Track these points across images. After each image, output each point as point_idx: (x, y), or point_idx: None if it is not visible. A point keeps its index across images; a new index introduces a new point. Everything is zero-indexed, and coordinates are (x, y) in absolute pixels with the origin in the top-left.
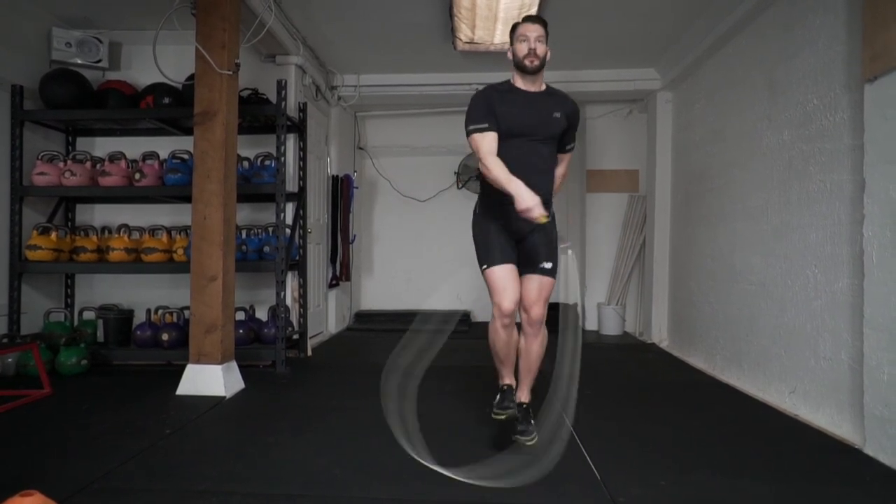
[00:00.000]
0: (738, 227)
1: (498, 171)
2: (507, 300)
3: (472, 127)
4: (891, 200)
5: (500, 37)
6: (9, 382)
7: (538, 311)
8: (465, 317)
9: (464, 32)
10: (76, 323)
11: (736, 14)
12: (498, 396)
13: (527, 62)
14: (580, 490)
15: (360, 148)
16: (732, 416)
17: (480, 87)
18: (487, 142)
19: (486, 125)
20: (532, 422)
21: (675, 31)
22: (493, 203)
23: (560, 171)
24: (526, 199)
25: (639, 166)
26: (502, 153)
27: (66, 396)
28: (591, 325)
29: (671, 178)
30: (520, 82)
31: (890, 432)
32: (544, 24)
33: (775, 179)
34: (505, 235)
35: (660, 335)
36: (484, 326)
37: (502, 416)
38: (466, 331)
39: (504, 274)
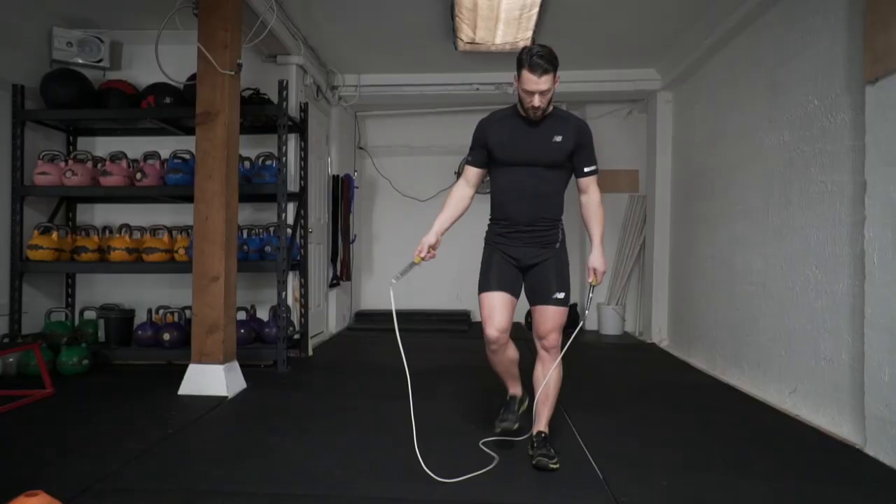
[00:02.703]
0: (739, 227)
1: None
2: (492, 328)
3: (467, 158)
4: (892, 201)
5: (502, 37)
6: (10, 382)
7: (554, 338)
8: (464, 317)
9: (465, 33)
10: (77, 323)
11: (736, 15)
12: (502, 407)
13: (531, 114)
14: (583, 490)
15: (361, 148)
16: (733, 416)
17: (481, 88)
18: (466, 174)
19: (469, 158)
20: (552, 449)
21: (676, 32)
22: (498, 229)
23: (588, 200)
24: (421, 241)
25: (639, 166)
26: (504, 179)
27: (67, 396)
28: (591, 325)
29: (671, 179)
30: (522, 110)
31: (891, 432)
32: (554, 68)
33: (776, 180)
34: (508, 264)
35: (660, 335)
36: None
37: (497, 430)
38: (466, 331)
39: (494, 301)
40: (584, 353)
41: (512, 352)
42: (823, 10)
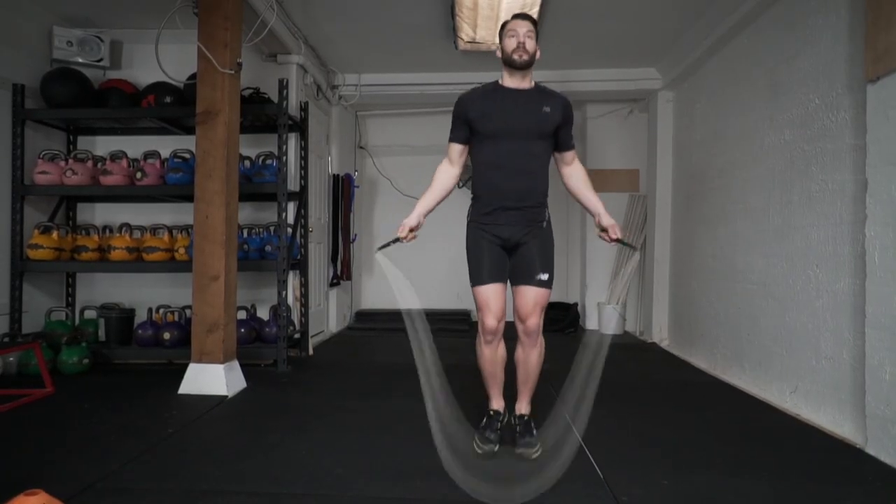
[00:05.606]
0: (740, 226)
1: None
2: (491, 317)
3: (449, 138)
4: (893, 200)
5: None
6: (11, 381)
7: (534, 321)
8: (464, 316)
9: (465, 32)
10: (77, 322)
11: (737, 14)
12: (484, 420)
13: (515, 56)
14: (583, 489)
15: (361, 147)
16: (734, 415)
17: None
18: (450, 152)
19: (452, 136)
20: (535, 433)
21: (677, 31)
22: (483, 207)
23: (575, 171)
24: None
25: (639, 166)
26: (489, 153)
27: (68, 395)
28: (591, 324)
29: (672, 178)
30: (508, 80)
31: (892, 432)
32: (534, 21)
33: (777, 179)
34: (497, 248)
35: (660, 335)
36: None
37: (479, 451)
38: (466, 330)
39: (489, 292)
40: (584, 352)
41: (503, 350)
42: (824, 9)
